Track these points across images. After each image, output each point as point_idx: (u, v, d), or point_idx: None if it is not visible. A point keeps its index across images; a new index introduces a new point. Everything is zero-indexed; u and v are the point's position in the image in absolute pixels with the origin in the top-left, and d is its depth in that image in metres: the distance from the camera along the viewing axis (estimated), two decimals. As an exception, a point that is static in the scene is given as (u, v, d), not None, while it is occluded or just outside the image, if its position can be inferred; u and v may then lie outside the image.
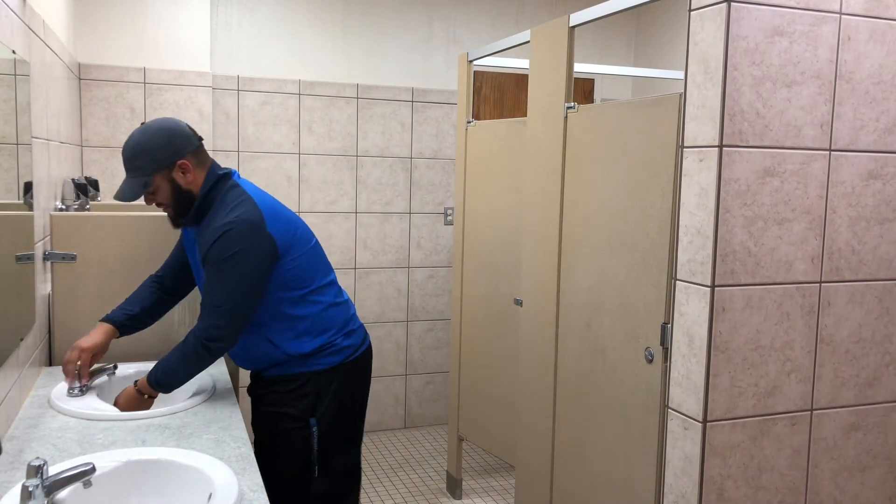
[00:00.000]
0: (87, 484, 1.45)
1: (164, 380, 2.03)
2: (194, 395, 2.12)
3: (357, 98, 4.12)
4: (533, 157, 2.71)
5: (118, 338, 2.19)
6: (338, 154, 4.11)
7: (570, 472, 2.53)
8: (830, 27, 1.89)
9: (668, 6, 4.29)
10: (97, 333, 2.14)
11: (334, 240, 4.15)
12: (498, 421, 3.19)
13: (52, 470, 1.49)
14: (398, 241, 4.28)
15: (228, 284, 2.00)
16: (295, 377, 2.15)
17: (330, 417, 2.18)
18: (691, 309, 1.92)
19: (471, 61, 3.31)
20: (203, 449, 1.76)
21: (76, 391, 2.06)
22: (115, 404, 2.05)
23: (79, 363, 2.07)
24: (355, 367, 2.25)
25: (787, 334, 1.95)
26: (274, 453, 2.15)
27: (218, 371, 2.40)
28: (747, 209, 1.86)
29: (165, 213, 2.12)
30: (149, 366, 2.37)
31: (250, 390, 2.26)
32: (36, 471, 1.36)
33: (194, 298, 2.50)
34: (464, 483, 3.66)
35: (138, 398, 2.04)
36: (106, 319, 2.19)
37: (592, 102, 4.54)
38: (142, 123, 2.06)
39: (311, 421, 2.15)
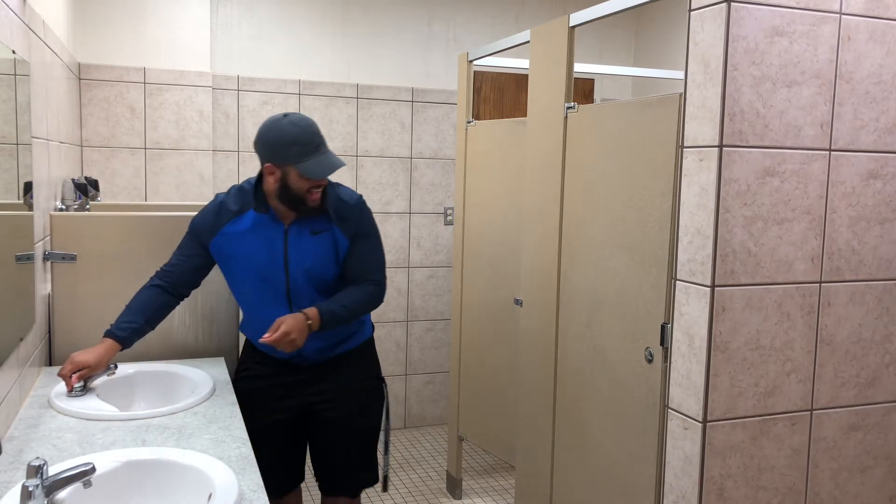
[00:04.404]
0: (87, 484, 1.45)
1: (340, 316, 2.19)
2: (194, 395, 2.12)
3: (357, 98, 4.12)
4: (533, 157, 2.71)
5: (121, 350, 2.17)
6: (337, 154, 4.10)
7: (570, 472, 2.53)
8: (830, 27, 1.89)
9: (668, 6, 4.29)
10: (98, 351, 2.09)
11: (334, 240, 4.14)
12: (498, 421, 3.19)
13: (52, 470, 1.49)
14: (398, 241, 4.28)
15: (380, 244, 2.33)
16: (364, 346, 2.38)
17: None
18: (691, 309, 1.92)
19: (471, 61, 3.31)
20: (203, 449, 1.76)
21: (76, 391, 2.06)
22: (281, 324, 2.08)
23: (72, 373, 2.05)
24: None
25: (787, 334, 1.95)
26: (367, 415, 2.38)
27: (218, 371, 2.40)
28: (747, 209, 1.86)
29: (311, 201, 2.13)
30: (149, 366, 2.38)
31: (300, 378, 2.29)
32: (36, 471, 1.36)
33: (194, 299, 2.51)
34: (464, 483, 3.65)
35: (305, 324, 2.12)
36: (111, 335, 2.13)
37: (592, 102, 4.54)
38: (284, 115, 2.12)
39: (383, 378, 2.45)
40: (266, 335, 2.07)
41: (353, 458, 2.37)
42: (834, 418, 2.05)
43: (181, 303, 2.29)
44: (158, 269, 2.26)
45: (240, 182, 2.28)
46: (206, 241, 2.22)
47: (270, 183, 2.12)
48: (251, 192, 2.20)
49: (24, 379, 2.05)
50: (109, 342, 2.12)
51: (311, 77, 4.04)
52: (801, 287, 1.95)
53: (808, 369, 1.99)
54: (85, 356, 2.06)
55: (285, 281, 2.19)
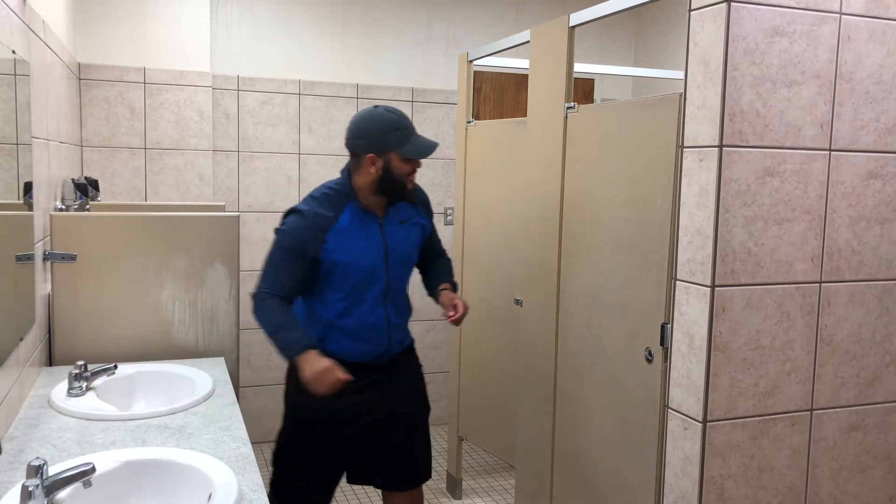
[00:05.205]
0: (87, 484, 1.45)
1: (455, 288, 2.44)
2: (194, 395, 2.12)
3: (357, 98, 4.12)
4: (533, 157, 2.71)
5: None
6: (338, 154, 4.11)
7: (570, 472, 2.53)
8: (830, 27, 1.89)
9: (668, 6, 4.29)
10: (324, 359, 2.09)
11: (334, 240, 4.14)
12: (498, 421, 3.19)
13: (52, 470, 1.49)
14: (398, 241, 4.28)
15: None
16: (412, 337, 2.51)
17: None
18: (691, 309, 1.92)
19: (471, 61, 3.31)
20: (203, 449, 1.76)
21: (76, 391, 2.06)
22: (453, 300, 2.32)
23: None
24: None
25: (787, 334, 1.95)
26: (428, 401, 2.48)
27: (218, 371, 2.40)
28: (747, 209, 1.86)
29: (410, 185, 2.25)
30: (150, 366, 2.38)
31: (386, 370, 2.32)
32: (36, 471, 1.36)
33: (194, 298, 2.51)
34: (464, 483, 3.65)
35: None
36: (312, 346, 2.11)
37: (592, 102, 4.54)
38: (375, 107, 2.22)
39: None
40: (451, 314, 2.27)
41: (428, 443, 2.48)
42: (834, 418, 2.05)
43: (182, 302, 2.29)
44: (259, 291, 2.18)
45: (307, 193, 2.29)
46: (317, 252, 2.16)
47: (371, 174, 2.17)
48: (338, 193, 2.21)
49: (24, 379, 2.05)
50: (317, 351, 2.12)
51: (311, 77, 4.04)
52: (801, 287, 1.95)
53: (808, 369, 1.99)
54: (328, 361, 2.08)
55: (385, 273, 2.23)
